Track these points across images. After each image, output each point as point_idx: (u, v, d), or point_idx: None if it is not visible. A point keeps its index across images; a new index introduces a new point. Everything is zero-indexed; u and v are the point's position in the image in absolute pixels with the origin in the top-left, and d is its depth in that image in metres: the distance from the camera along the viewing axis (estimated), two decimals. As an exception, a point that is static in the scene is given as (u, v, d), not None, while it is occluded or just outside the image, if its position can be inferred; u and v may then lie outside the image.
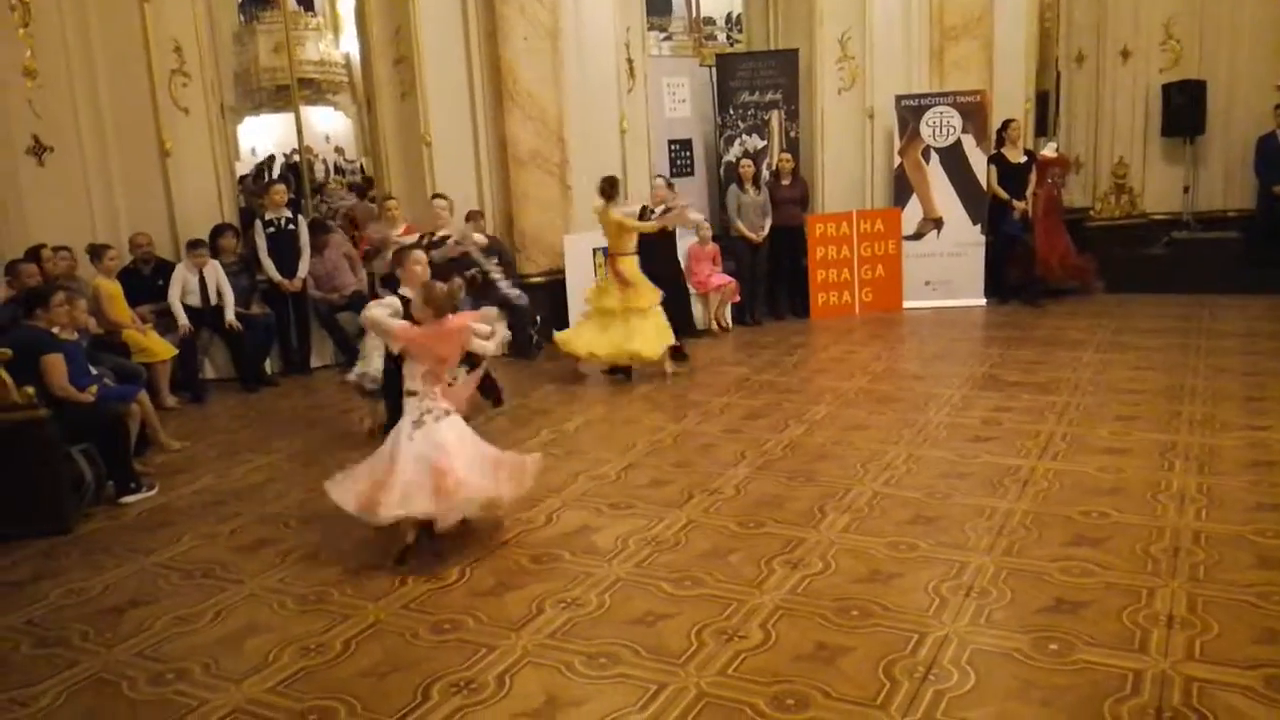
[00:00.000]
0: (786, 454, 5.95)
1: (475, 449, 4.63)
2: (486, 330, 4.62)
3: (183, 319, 7.99)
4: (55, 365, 5.61)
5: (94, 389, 5.83)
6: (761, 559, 4.43)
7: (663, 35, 13.18)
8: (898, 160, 10.57)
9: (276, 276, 8.66)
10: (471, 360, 4.87)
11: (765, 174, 10.52)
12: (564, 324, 9.53)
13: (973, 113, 10.32)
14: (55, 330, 5.81)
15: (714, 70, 11.23)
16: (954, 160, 10.40)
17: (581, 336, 7.86)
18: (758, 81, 10.88)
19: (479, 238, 7.83)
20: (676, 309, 9.70)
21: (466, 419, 4.80)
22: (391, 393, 6.10)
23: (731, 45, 12.55)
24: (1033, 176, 10.27)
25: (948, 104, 10.35)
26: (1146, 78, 11.55)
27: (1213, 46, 11.33)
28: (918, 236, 10.52)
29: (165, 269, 8.23)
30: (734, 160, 10.56)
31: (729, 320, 10.03)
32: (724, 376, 8.08)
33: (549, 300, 9.34)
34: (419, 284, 4.74)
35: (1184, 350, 8.01)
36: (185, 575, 4.64)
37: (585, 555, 4.60)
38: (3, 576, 4.76)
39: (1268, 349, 7.95)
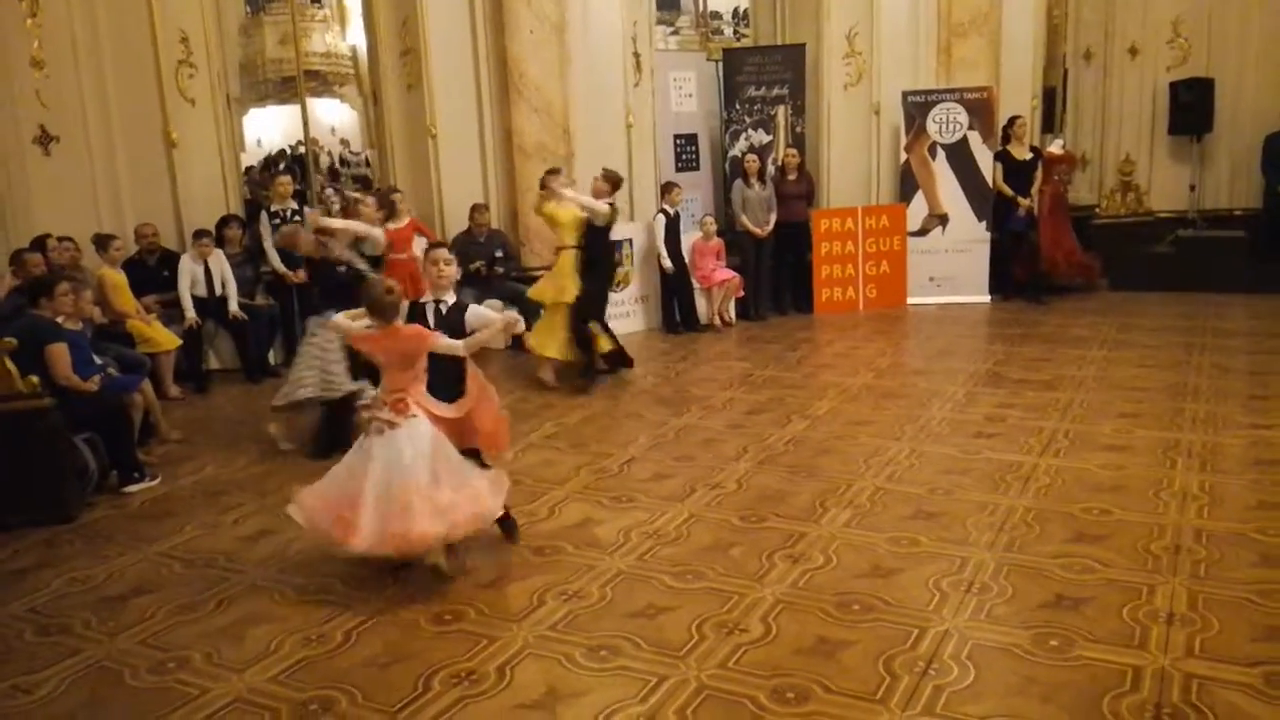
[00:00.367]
0: (789, 449, 5.95)
1: (434, 467, 4.13)
2: (456, 342, 4.29)
3: (190, 312, 8.01)
4: (59, 355, 5.63)
5: (97, 378, 5.85)
6: (763, 553, 4.44)
7: (669, 29, 13.16)
8: (904, 156, 10.55)
9: (281, 268, 8.66)
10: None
11: (771, 169, 10.51)
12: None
13: (979, 109, 10.30)
14: (60, 320, 5.83)
15: (720, 65, 11.20)
16: (960, 157, 10.39)
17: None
18: (764, 76, 10.86)
19: (329, 223, 6.46)
20: (680, 303, 9.76)
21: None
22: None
23: (738, 40, 12.52)
24: (1039, 173, 10.26)
25: (954, 100, 10.33)
26: (1154, 75, 11.51)
27: (1221, 44, 11.28)
28: (923, 233, 10.51)
29: (170, 259, 8.25)
30: (739, 155, 10.54)
31: (733, 315, 10.03)
32: (727, 371, 8.08)
33: (553, 294, 9.33)
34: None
35: (1188, 348, 8.00)
36: (187, 564, 4.66)
37: (587, 548, 4.61)
38: (6, 564, 4.78)
39: (1272, 348, 7.93)
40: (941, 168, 10.45)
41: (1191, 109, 11.16)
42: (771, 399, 7.09)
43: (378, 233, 6.52)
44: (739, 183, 10.15)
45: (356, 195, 8.05)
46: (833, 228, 10.35)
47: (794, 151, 10.45)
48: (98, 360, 6.11)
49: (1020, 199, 10.13)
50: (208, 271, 8.19)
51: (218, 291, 8.22)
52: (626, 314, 9.84)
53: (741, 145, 10.82)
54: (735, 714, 3.22)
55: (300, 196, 9.67)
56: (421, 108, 9.27)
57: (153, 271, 8.16)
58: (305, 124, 11.25)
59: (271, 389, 8.14)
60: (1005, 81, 10.63)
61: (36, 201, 7.83)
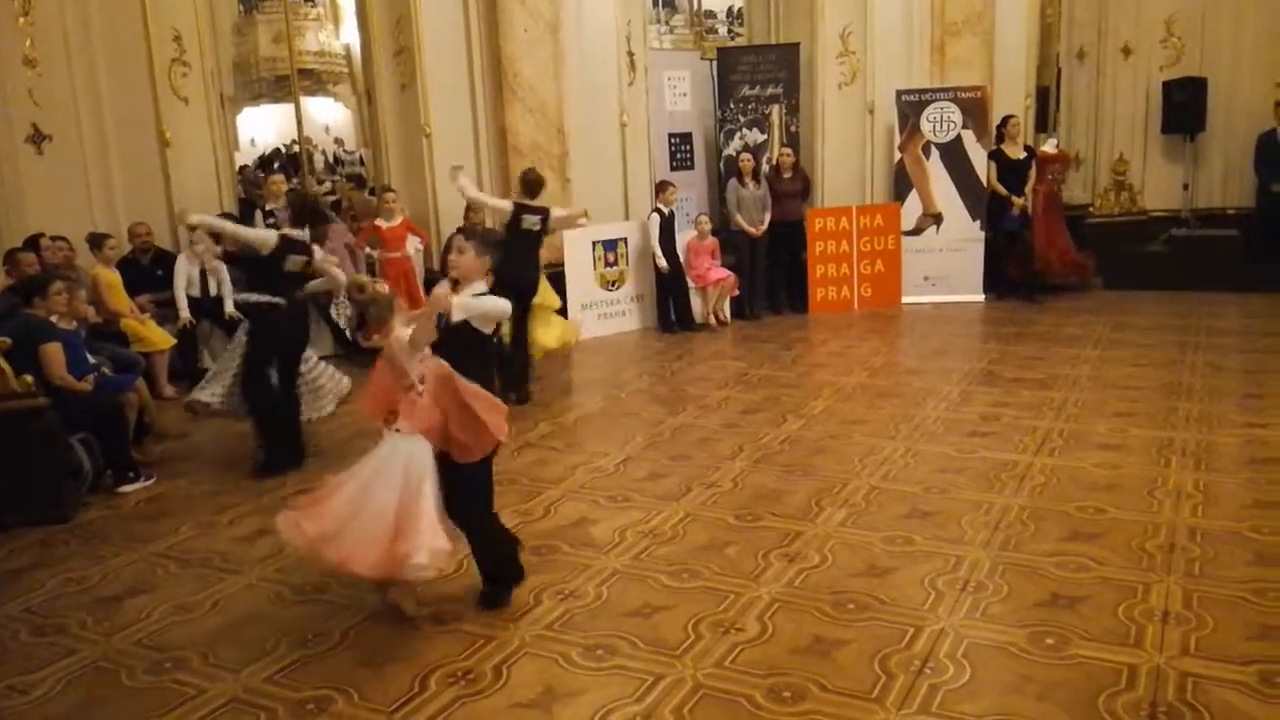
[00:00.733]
0: (784, 448, 5.96)
1: (400, 495, 3.73)
2: (412, 332, 3.82)
3: (185, 312, 7.97)
4: (54, 354, 5.61)
5: (92, 378, 5.84)
6: (759, 552, 4.44)
7: (664, 28, 13.18)
8: (898, 155, 10.56)
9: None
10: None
11: (765, 168, 10.51)
12: (563, 317, 9.54)
13: (973, 108, 10.31)
14: (54, 319, 5.81)
15: (715, 64, 11.21)
16: (954, 156, 10.40)
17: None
18: (758, 75, 10.87)
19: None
20: (675, 303, 9.77)
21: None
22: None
23: (732, 39, 12.55)
24: (1032, 173, 10.26)
25: (948, 99, 10.34)
26: (1147, 74, 11.53)
27: (1214, 44, 11.31)
28: (917, 232, 10.52)
29: (164, 259, 8.22)
30: (734, 154, 10.54)
31: (727, 314, 10.03)
32: (722, 370, 8.09)
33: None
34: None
35: (1182, 347, 8.02)
36: (183, 565, 4.65)
37: (583, 547, 4.61)
38: (1, 565, 4.77)
39: (1266, 346, 7.96)
40: (935, 167, 10.46)
41: (1184, 108, 11.19)
42: (767, 398, 7.10)
43: (258, 236, 6.08)
44: (733, 182, 10.15)
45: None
46: (827, 227, 10.36)
47: (789, 151, 10.45)
48: (92, 360, 6.09)
49: (1014, 198, 10.15)
50: (203, 271, 8.17)
51: (212, 291, 8.19)
52: (622, 313, 9.86)
53: (736, 144, 10.82)
54: (732, 713, 3.23)
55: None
56: (416, 107, 9.26)
57: (147, 271, 8.13)
58: (299, 123, 11.27)
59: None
60: (999, 81, 10.65)
61: (30, 201, 7.80)
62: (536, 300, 7.40)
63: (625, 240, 9.80)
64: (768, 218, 10.08)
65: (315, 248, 6.09)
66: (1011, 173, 10.19)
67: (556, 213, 7.45)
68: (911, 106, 10.43)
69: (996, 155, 10.27)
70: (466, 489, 3.87)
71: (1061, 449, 5.68)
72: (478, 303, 3.87)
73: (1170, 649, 3.47)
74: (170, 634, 3.95)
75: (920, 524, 4.69)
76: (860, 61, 10.82)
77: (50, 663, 3.76)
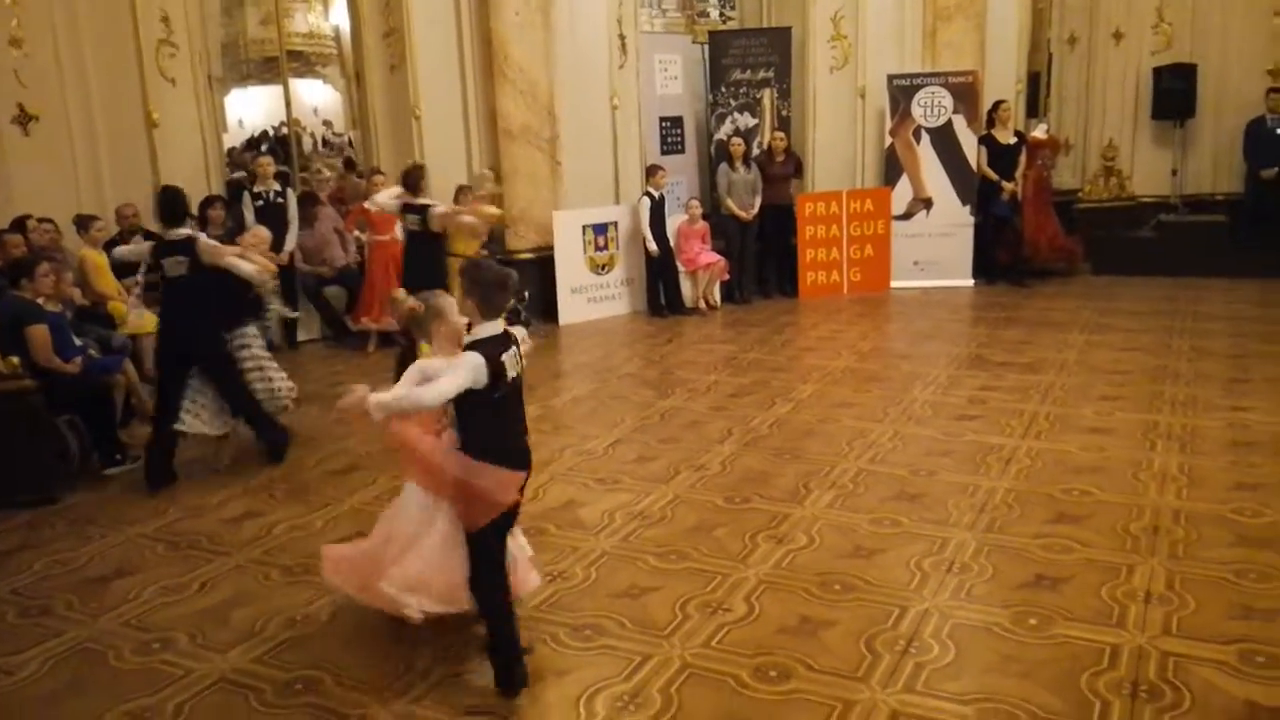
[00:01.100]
0: (773, 431, 5.97)
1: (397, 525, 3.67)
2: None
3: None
4: (40, 336, 5.60)
5: (79, 360, 5.81)
6: (746, 534, 4.46)
7: (655, 11, 13.11)
8: (889, 140, 10.56)
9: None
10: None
11: (756, 152, 10.50)
12: (552, 302, 9.55)
13: (964, 93, 10.31)
14: (40, 301, 5.79)
15: (706, 47, 11.17)
16: (944, 141, 10.40)
17: None
18: (750, 59, 10.83)
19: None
20: (665, 286, 9.77)
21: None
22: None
23: (724, 22, 12.46)
24: (1023, 158, 10.29)
25: (939, 84, 10.34)
26: (1138, 60, 11.54)
27: (1204, 30, 11.32)
28: (907, 216, 10.53)
29: (152, 240, 8.16)
30: (725, 138, 10.52)
31: (717, 298, 10.04)
32: (712, 354, 8.10)
33: (538, 277, 9.32)
34: None
35: (1169, 332, 8.05)
36: (171, 546, 4.65)
37: (572, 529, 4.63)
38: (-12, 546, 4.77)
39: (1251, 332, 8.00)
40: (926, 151, 10.47)
41: (1174, 94, 11.20)
42: (756, 382, 7.11)
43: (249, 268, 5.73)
44: (724, 166, 10.14)
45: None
46: (817, 211, 10.35)
47: (782, 135, 10.44)
48: (79, 342, 6.07)
49: (1004, 183, 10.17)
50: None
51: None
52: (612, 297, 9.85)
53: (727, 128, 10.79)
54: (718, 692, 3.25)
55: (283, 177, 9.60)
56: (405, 89, 9.21)
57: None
58: (288, 104, 11.20)
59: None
60: (990, 66, 10.65)
61: (16, 182, 7.73)
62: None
63: (615, 224, 9.79)
64: (758, 202, 10.08)
65: (200, 236, 5.68)
66: (1002, 158, 10.21)
67: (436, 210, 6.70)
68: (903, 91, 10.43)
69: (987, 140, 10.28)
70: (469, 553, 3.43)
71: (1048, 432, 5.71)
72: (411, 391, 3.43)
73: (1152, 629, 3.50)
74: (158, 615, 3.95)
75: (907, 506, 4.72)
76: (852, 46, 10.80)
77: (37, 643, 3.76)
